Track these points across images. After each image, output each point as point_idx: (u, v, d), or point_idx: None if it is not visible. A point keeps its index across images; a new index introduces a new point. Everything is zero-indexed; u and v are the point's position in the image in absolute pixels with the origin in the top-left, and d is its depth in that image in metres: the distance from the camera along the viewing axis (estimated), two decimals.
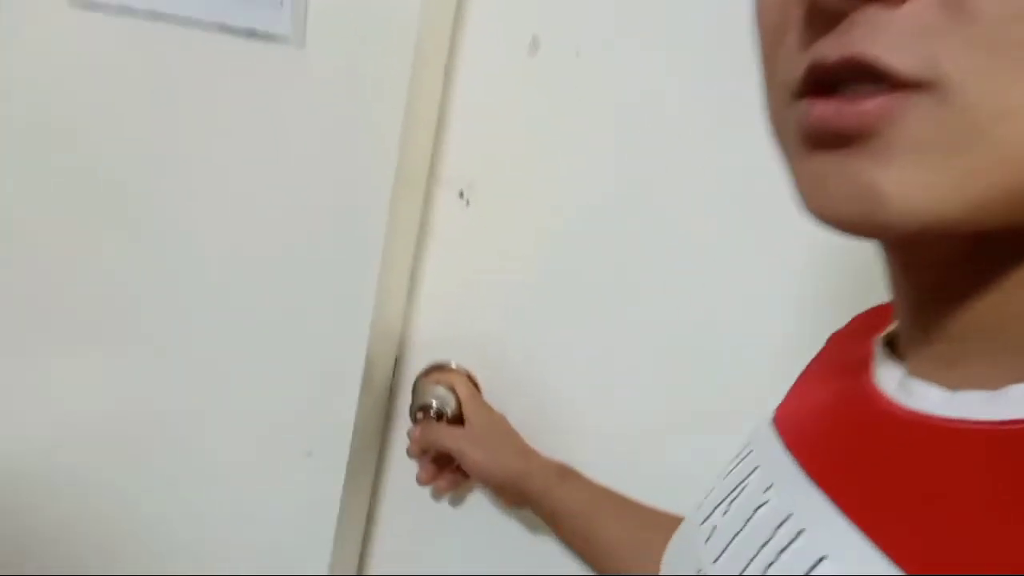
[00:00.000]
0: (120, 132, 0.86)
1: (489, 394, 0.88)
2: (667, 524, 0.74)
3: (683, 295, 0.80)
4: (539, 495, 0.80)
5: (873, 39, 0.29)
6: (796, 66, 0.32)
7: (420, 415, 0.86)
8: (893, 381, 0.38)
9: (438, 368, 0.89)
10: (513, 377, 0.87)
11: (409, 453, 0.89)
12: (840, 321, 0.56)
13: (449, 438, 0.83)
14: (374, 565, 0.96)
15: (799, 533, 0.35)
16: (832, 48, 0.30)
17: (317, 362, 0.84)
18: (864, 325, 0.50)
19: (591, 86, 0.80)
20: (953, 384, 0.34)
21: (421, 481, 0.88)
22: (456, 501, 0.91)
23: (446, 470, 0.88)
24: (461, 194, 0.85)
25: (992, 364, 0.33)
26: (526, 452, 0.84)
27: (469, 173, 0.84)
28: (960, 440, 0.32)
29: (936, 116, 0.28)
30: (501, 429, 0.85)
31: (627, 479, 0.81)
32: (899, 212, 0.29)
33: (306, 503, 0.87)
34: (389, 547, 0.95)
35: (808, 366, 0.54)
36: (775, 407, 0.51)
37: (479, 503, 0.90)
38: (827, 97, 0.31)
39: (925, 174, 0.29)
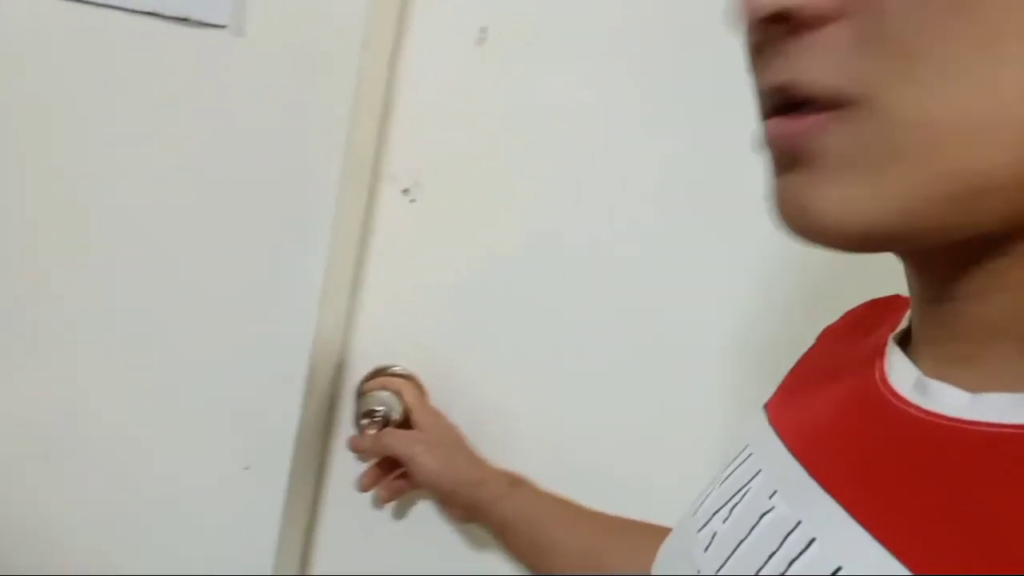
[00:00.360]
0: (51, 121, 0.80)
1: (436, 398, 0.85)
2: (624, 530, 0.74)
3: (634, 295, 0.79)
4: (490, 504, 0.77)
5: (793, 64, 0.31)
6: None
7: (365, 422, 0.82)
8: (908, 381, 0.36)
9: (382, 373, 0.85)
10: (460, 381, 0.84)
11: (355, 454, 0.85)
12: (791, 330, 0.56)
13: (402, 444, 0.80)
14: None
15: (811, 542, 0.33)
16: (765, 76, 0.33)
17: (257, 369, 0.79)
18: (861, 320, 0.49)
19: (541, 78, 0.78)
20: (973, 386, 0.32)
21: (362, 486, 0.84)
22: (400, 512, 0.88)
23: (388, 477, 0.84)
24: (406, 191, 0.81)
25: (1014, 365, 0.32)
26: (478, 461, 0.82)
27: (415, 169, 0.81)
28: (987, 445, 0.30)
29: (858, 133, 0.29)
30: (453, 437, 0.83)
31: (573, 484, 0.80)
32: (834, 227, 0.31)
33: (245, 518, 0.82)
34: (331, 560, 0.91)
35: (801, 361, 0.52)
36: (765, 403, 0.50)
37: (423, 513, 0.87)
38: (774, 119, 0.33)
39: (850, 189, 0.30)
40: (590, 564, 0.72)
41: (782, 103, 0.32)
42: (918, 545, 0.29)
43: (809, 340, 0.54)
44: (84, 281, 0.82)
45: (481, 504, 0.78)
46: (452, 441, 0.82)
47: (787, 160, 0.32)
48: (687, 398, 0.80)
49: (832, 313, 0.54)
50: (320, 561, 0.90)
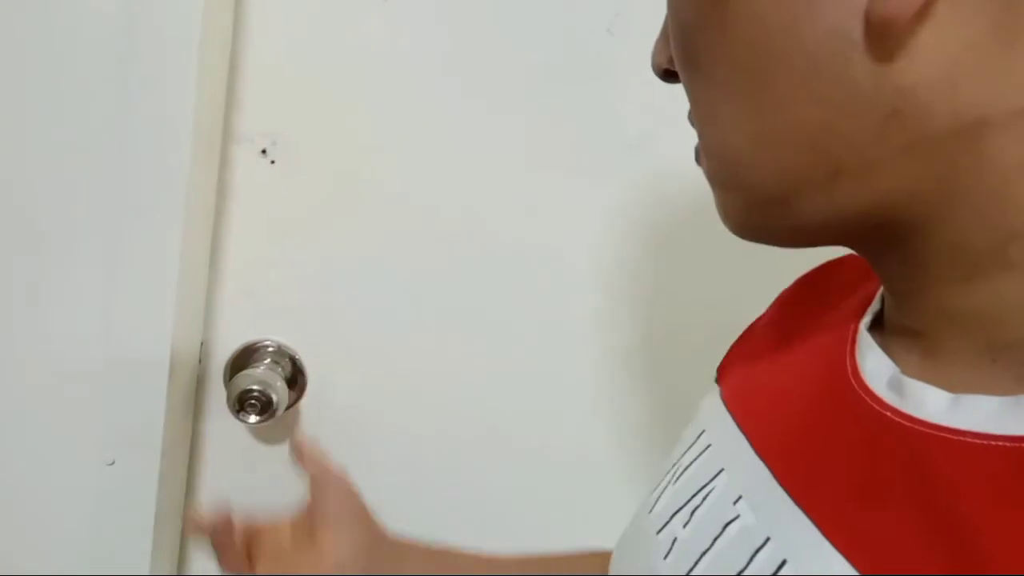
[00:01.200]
0: None
1: (308, 372, 0.80)
2: (530, 566, 0.62)
3: (502, 249, 0.78)
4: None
5: None
6: None
7: (239, 405, 0.77)
8: (882, 378, 0.33)
9: (253, 349, 0.80)
10: (333, 352, 0.80)
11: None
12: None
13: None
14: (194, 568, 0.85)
15: (782, 564, 0.30)
16: None
17: (115, 355, 0.72)
18: (816, 287, 0.47)
19: (396, 25, 0.74)
20: (953, 386, 0.30)
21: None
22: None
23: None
24: (264, 152, 0.76)
25: (993, 363, 0.30)
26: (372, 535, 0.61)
27: (272, 128, 0.75)
28: (972, 459, 0.27)
29: (703, 158, 0.37)
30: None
31: (445, 453, 0.78)
32: (731, 228, 0.37)
33: (115, 516, 0.75)
34: (208, 555, 0.85)
35: (754, 329, 0.50)
36: (716, 377, 0.48)
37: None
38: None
39: (719, 202, 0.37)
40: None
41: None
42: (900, 569, 0.27)
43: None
44: None
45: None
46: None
47: None
48: (568, 387, 0.80)
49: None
50: (198, 557, 0.85)
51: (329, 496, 0.59)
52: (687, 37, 0.34)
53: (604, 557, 0.59)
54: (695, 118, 0.36)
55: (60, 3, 0.67)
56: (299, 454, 0.61)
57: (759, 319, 0.51)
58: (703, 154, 0.37)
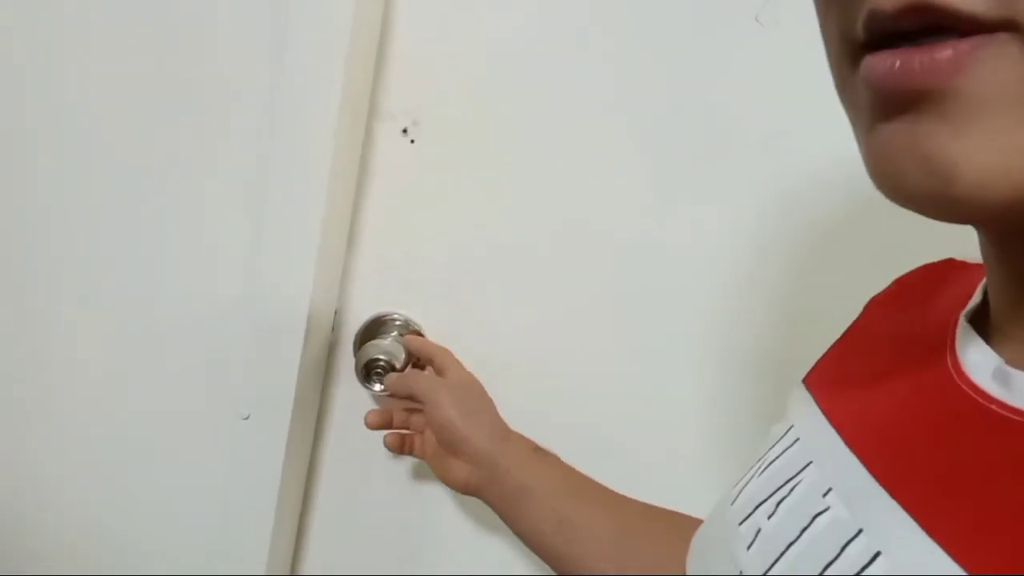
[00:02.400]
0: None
1: None
2: (658, 516, 0.67)
3: (640, 234, 0.77)
4: (510, 466, 0.70)
5: None
6: (853, 14, 0.28)
7: (365, 373, 0.80)
8: (986, 370, 0.31)
9: (381, 321, 0.83)
10: (461, 329, 0.82)
11: (367, 422, 0.79)
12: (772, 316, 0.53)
13: (426, 383, 0.74)
14: (314, 531, 0.90)
15: (875, 556, 0.29)
16: None
17: (255, 318, 0.76)
18: (914, 289, 0.45)
19: (543, 18, 0.75)
20: None
21: (370, 422, 0.78)
22: (400, 461, 0.86)
23: (400, 418, 0.79)
24: (405, 131, 0.78)
25: None
26: (502, 422, 0.75)
27: (414, 108, 0.78)
28: None
29: (1020, 65, 0.24)
30: (478, 389, 0.77)
31: (569, 434, 0.78)
32: (976, 186, 0.25)
33: (245, 469, 0.79)
34: (331, 509, 0.89)
35: (847, 334, 0.48)
36: (804, 378, 0.47)
37: (422, 473, 0.85)
38: (892, 51, 0.26)
39: (1007, 138, 0.24)
40: (625, 548, 0.64)
41: (891, 32, 0.26)
42: (1002, 564, 0.25)
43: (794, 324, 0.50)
44: (67, 230, 0.79)
45: (499, 464, 0.70)
46: (477, 392, 0.76)
47: (905, 101, 0.26)
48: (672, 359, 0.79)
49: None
50: (319, 510, 0.89)
51: (445, 404, 0.72)
52: None
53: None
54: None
55: None
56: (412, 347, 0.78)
57: (851, 324, 0.49)
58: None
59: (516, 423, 0.76)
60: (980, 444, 0.29)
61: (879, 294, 0.48)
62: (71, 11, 0.76)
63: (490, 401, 0.76)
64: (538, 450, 0.74)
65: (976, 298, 0.36)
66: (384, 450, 0.78)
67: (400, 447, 0.78)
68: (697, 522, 0.52)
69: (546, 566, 0.68)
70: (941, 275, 0.44)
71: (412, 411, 0.79)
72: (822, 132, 0.62)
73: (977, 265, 0.41)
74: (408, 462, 0.86)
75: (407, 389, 0.75)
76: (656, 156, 0.75)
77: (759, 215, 0.74)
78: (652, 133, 0.75)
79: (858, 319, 0.48)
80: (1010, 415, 0.29)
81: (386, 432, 0.78)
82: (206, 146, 0.76)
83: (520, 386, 0.81)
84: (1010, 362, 0.31)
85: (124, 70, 0.76)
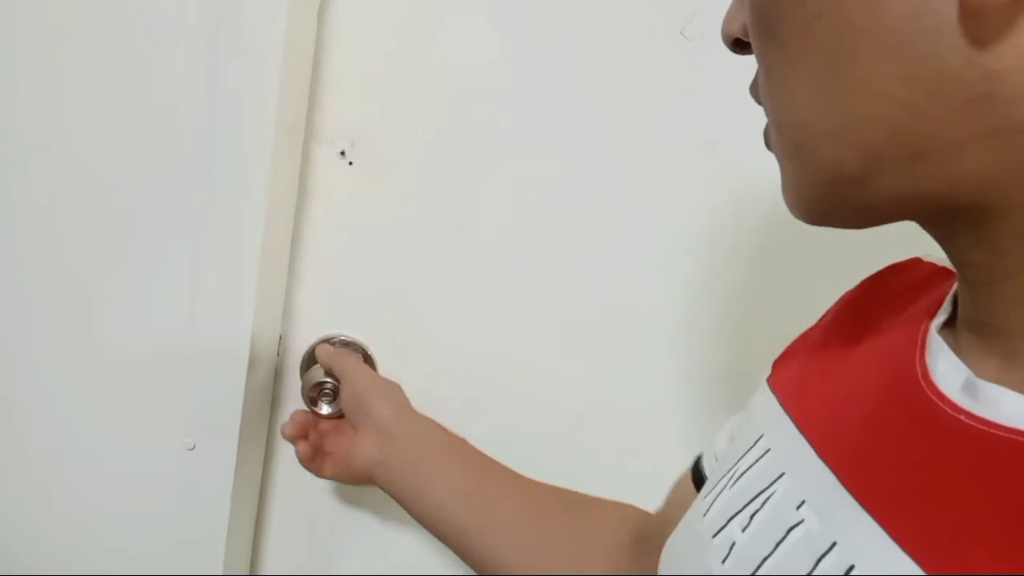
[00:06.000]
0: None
1: (381, 367, 0.82)
2: (565, 494, 0.69)
3: (583, 251, 0.78)
4: (416, 437, 0.73)
5: None
6: None
7: (315, 395, 0.80)
8: (955, 381, 0.32)
9: (328, 343, 0.82)
10: (405, 349, 0.82)
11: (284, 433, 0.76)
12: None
13: (350, 365, 0.76)
14: (268, 558, 0.89)
15: (849, 569, 0.30)
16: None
17: (197, 345, 0.75)
18: (885, 290, 0.45)
19: (477, 33, 0.75)
20: None
21: (286, 433, 0.76)
22: (350, 495, 0.85)
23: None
24: (343, 153, 0.78)
25: None
26: (410, 404, 0.78)
27: (351, 130, 0.78)
28: None
29: (773, 133, 0.35)
30: (396, 384, 0.79)
31: (520, 447, 0.78)
32: (792, 208, 0.36)
33: (194, 500, 0.78)
34: (282, 538, 0.88)
35: (815, 331, 0.48)
36: (769, 377, 0.47)
37: (376, 499, 0.85)
38: None
39: (791, 178, 0.35)
40: (533, 516, 0.66)
41: None
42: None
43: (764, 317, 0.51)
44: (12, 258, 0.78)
45: (405, 433, 0.73)
46: (394, 384, 0.79)
47: None
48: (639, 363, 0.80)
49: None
50: (272, 537, 0.88)
51: (359, 379, 0.75)
52: (766, 4, 0.32)
53: (623, 510, 0.64)
54: (766, 90, 0.34)
55: (150, 7, 0.71)
56: (322, 360, 0.78)
57: (818, 322, 0.49)
58: (774, 128, 0.35)
59: (464, 435, 0.76)
60: (951, 455, 0.30)
61: (849, 292, 0.49)
62: None
63: (403, 391, 0.79)
64: (445, 428, 0.76)
65: (947, 306, 0.37)
66: None
67: (311, 458, 0.75)
68: (610, 507, 0.54)
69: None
70: (911, 274, 0.45)
71: (332, 431, 0.78)
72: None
73: (947, 269, 0.42)
74: (360, 489, 0.85)
75: (330, 362, 0.77)
76: (599, 165, 0.76)
77: (710, 215, 0.76)
78: (593, 142, 0.76)
79: (825, 315, 0.49)
80: (978, 425, 0.30)
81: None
82: (142, 173, 0.75)
83: (469, 400, 0.81)
84: (977, 372, 0.31)
85: (57, 90, 0.75)
